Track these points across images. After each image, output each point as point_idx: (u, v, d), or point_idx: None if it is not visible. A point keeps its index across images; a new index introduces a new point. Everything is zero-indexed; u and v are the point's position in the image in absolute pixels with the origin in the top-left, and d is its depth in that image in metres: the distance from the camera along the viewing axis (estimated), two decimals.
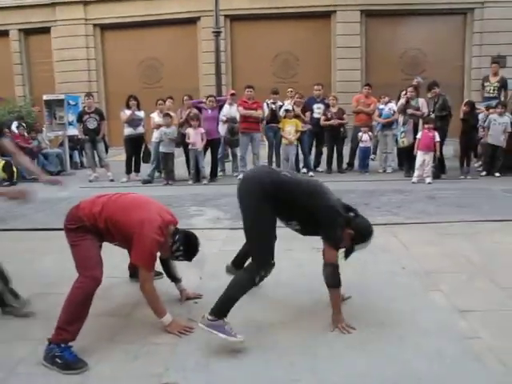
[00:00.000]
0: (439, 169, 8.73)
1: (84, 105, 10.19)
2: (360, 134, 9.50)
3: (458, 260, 4.09)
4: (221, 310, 2.75)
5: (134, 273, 3.58)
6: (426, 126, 8.33)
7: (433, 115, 8.64)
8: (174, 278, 3.47)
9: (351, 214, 2.99)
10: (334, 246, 2.91)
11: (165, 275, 3.53)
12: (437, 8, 16.17)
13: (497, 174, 8.80)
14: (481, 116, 9.23)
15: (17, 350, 2.77)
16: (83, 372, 2.54)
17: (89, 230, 2.89)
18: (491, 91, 9.87)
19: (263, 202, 2.81)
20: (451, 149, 10.15)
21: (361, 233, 2.96)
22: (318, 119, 9.56)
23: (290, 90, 9.88)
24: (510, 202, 6.71)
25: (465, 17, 16.77)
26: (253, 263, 2.84)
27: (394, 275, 3.72)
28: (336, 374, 2.46)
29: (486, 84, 9.98)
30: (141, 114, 9.47)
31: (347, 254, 3.06)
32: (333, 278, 2.94)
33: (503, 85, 10.05)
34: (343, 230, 2.91)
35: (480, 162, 9.67)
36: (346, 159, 9.92)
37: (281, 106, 9.26)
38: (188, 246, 3.06)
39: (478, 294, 3.34)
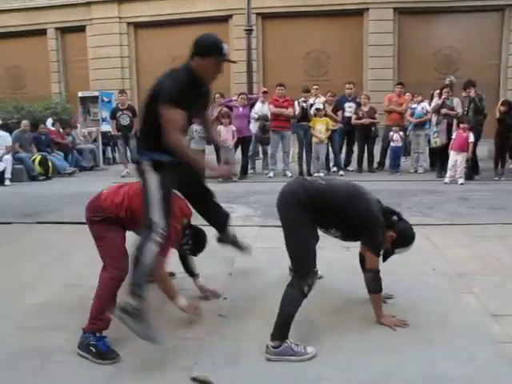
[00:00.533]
0: (472, 170, 8.55)
1: (117, 102, 10.39)
2: (391, 133, 9.38)
3: (491, 262, 4.00)
4: (281, 332, 2.68)
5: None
6: (461, 125, 8.18)
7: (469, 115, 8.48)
8: (192, 273, 3.50)
9: (394, 218, 2.97)
10: (375, 252, 2.88)
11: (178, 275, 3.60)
12: (472, 5, 15.83)
13: (502, 178, 8.56)
14: None
15: (52, 338, 2.86)
16: (115, 363, 2.61)
17: (113, 220, 2.91)
18: None
19: (300, 213, 2.79)
20: (485, 149, 9.92)
21: (404, 237, 2.95)
22: (349, 118, 9.49)
23: (315, 87, 9.77)
24: None
25: (502, 13, 16.32)
26: (297, 276, 2.78)
27: (425, 276, 3.68)
28: (363, 373, 2.45)
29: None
30: None
31: (386, 257, 3.04)
32: (374, 283, 2.91)
33: None
34: (384, 233, 2.88)
35: None
36: (376, 158, 9.83)
37: (312, 105, 9.22)
38: (197, 241, 3.18)
39: (511, 298, 3.27)
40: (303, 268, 2.76)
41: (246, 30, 12.37)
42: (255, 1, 13.18)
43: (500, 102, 8.89)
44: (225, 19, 16.88)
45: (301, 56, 16.59)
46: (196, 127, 8.83)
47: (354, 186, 3.03)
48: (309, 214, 2.79)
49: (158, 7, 16.66)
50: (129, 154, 10.09)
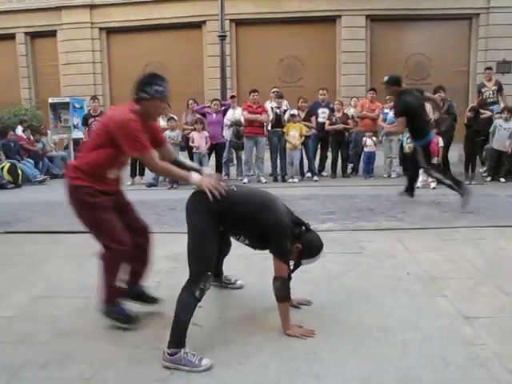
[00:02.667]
0: (444, 173, 8.68)
1: (89, 108, 10.23)
2: (364, 138, 9.48)
3: (463, 266, 4.06)
4: (177, 339, 2.65)
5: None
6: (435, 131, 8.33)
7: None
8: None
9: (302, 229, 2.96)
10: (283, 260, 2.87)
11: None
12: (442, 13, 16.17)
13: (502, 180, 8.77)
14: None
15: (20, 352, 2.77)
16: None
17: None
18: (490, 96, 9.86)
19: (206, 216, 2.79)
20: (456, 154, 10.12)
21: (309, 248, 2.94)
22: (323, 124, 9.56)
23: (275, 90, 9.76)
24: None
25: (470, 22, 16.74)
26: (190, 279, 2.78)
27: (398, 281, 3.71)
28: (339, 380, 2.45)
29: (483, 90, 9.98)
30: None
31: (294, 268, 3.03)
32: (283, 292, 2.90)
33: (500, 88, 10.11)
34: (292, 243, 2.88)
35: (485, 168, 9.64)
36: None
37: (285, 111, 9.25)
38: None
39: (483, 300, 3.32)
40: (197, 271, 2.76)
41: (219, 36, 12.35)
42: (229, 7, 13.17)
43: (468, 108, 9.10)
44: (198, 25, 16.83)
45: (274, 62, 16.66)
46: (169, 134, 8.78)
47: (265, 195, 3.03)
48: (214, 220, 2.80)
49: (131, 12, 16.50)
50: None
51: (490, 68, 10.62)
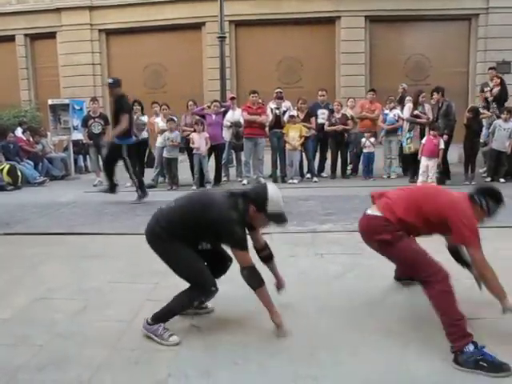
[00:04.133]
0: (444, 174, 8.70)
1: (89, 109, 10.23)
2: (364, 139, 9.47)
3: (461, 266, 4.04)
4: (160, 317, 2.92)
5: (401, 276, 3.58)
6: (431, 132, 8.33)
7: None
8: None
9: (244, 194, 2.94)
10: (241, 247, 2.83)
11: None
12: (441, 14, 16.17)
13: (501, 180, 8.75)
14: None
15: (18, 354, 2.75)
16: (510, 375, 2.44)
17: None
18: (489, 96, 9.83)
19: (166, 244, 2.94)
20: (456, 154, 10.11)
21: (262, 203, 2.85)
22: (323, 125, 9.55)
23: (278, 90, 9.77)
24: None
25: (469, 23, 16.74)
26: (196, 288, 2.92)
27: (397, 281, 3.68)
28: (338, 382, 2.44)
29: (486, 89, 9.95)
30: (145, 118, 9.49)
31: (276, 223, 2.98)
32: (253, 279, 2.89)
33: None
34: (247, 215, 2.88)
35: (485, 168, 9.62)
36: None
37: (285, 112, 9.24)
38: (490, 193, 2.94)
39: (482, 301, 3.30)
40: (198, 287, 2.90)
41: (218, 37, 12.34)
42: (228, 8, 13.18)
43: (467, 109, 9.09)
44: (198, 26, 16.84)
45: (274, 63, 16.67)
46: (169, 135, 8.77)
47: (204, 195, 3.20)
48: (175, 240, 2.90)
49: (130, 14, 16.52)
50: (101, 162, 9.92)
51: (493, 68, 10.59)
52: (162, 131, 8.97)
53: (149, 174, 9.40)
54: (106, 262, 4.40)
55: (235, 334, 2.95)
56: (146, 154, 9.60)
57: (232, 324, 3.09)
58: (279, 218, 2.92)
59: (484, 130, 9.22)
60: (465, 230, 2.69)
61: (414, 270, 2.80)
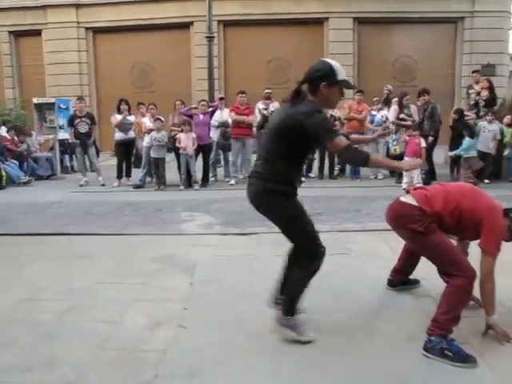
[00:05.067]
0: (430, 175, 8.78)
1: (75, 108, 10.15)
2: None
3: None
4: (290, 309, 2.85)
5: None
6: (410, 133, 8.41)
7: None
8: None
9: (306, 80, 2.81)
10: (332, 136, 2.61)
11: None
12: (428, 16, 16.37)
13: (486, 181, 8.86)
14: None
15: (4, 356, 2.72)
16: (475, 367, 2.52)
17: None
18: (475, 98, 9.96)
19: (279, 201, 2.77)
20: (442, 155, 10.22)
21: (328, 72, 2.73)
22: None
23: (267, 91, 9.75)
24: None
25: (455, 26, 16.97)
26: (306, 259, 2.82)
27: (384, 281, 3.71)
28: (326, 382, 2.45)
29: (470, 92, 10.08)
30: (132, 118, 9.44)
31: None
32: (355, 155, 2.69)
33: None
34: (321, 97, 2.72)
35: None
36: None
37: (273, 112, 9.25)
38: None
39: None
40: (317, 251, 2.84)
41: (207, 37, 12.33)
42: (216, 8, 13.17)
43: (453, 110, 9.19)
44: (186, 26, 16.82)
45: (262, 63, 16.70)
46: (156, 135, 8.74)
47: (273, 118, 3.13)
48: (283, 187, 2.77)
49: (118, 12, 16.43)
50: (87, 162, 9.86)
51: (477, 71, 10.72)
52: (149, 131, 8.93)
53: (136, 174, 9.37)
54: (93, 262, 4.38)
55: (225, 334, 2.94)
56: (134, 154, 9.53)
57: (219, 324, 3.09)
58: (350, 84, 2.92)
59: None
60: (493, 238, 2.74)
61: (443, 263, 2.79)
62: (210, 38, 12.25)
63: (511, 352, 2.68)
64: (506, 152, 9.14)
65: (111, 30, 16.87)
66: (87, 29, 17.09)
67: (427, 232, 2.76)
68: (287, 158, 2.72)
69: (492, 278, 2.76)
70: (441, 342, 2.62)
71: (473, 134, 8.57)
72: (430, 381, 2.45)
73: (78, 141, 9.57)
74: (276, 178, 2.72)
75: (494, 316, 2.80)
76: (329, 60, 2.82)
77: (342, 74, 2.74)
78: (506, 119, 9.21)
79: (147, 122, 9.14)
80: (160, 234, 5.30)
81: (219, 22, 16.15)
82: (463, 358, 2.56)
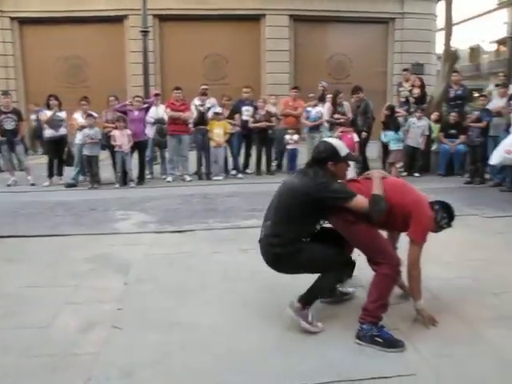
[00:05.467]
0: (363, 170, 9.05)
1: (0, 104, 9.61)
2: (287, 136, 9.65)
3: None
4: (307, 301, 2.95)
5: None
6: (342, 129, 8.65)
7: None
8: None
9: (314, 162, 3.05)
10: (349, 197, 2.83)
11: None
12: (360, 16, 16.89)
13: (416, 174, 9.27)
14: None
15: None
16: (403, 351, 2.67)
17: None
18: (405, 96, 10.36)
19: (294, 253, 2.94)
20: (375, 150, 10.57)
21: (331, 153, 2.99)
22: (247, 121, 9.62)
23: (203, 87, 9.73)
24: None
25: (387, 26, 17.63)
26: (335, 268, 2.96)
27: None
28: (261, 374, 2.48)
29: (400, 89, 10.50)
30: (62, 114, 9.07)
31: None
32: (379, 205, 2.83)
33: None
34: (328, 174, 2.94)
35: (401, 163, 10.13)
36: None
37: (209, 108, 9.21)
38: (449, 211, 3.14)
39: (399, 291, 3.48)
40: (346, 264, 3.06)
41: (142, 31, 12.05)
42: (151, 2, 12.86)
43: (384, 107, 9.54)
44: (120, 19, 16.36)
45: (199, 59, 16.57)
46: (88, 132, 8.45)
47: (285, 189, 3.11)
48: (296, 245, 2.95)
49: (47, 2, 15.59)
50: (15, 160, 9.37)
51: (406, 69, 11.17)
52: (81, 127, 8.62)
53: (68, 173, 9.02)
54: (23, 265, 4.19)
55: (159, 332, 2.91)
56: (65, 152, 9.16)
57: (154, 323, 3.05)
58: (352, 157, 3.21)
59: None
60: (420, 229, 2.92)
61: (369, 251, 2.90)
62: (145, 33, 11.99)
63: (436, 335, 2.85)
64: (434, 147, 9.58)
65: (40, 21, 16.05)
66: (12, 19, 16.16)
67: (357, 221, 2.87)
68: (297, 225, 2.90)
69: (418, 266, 2.91)
70: (371, 330, 2.76)
71: (397, 129, 8.97)
72: (360, 366, 2.54)
73: (4, 138, 9.06)
74: (283, 242, 2.89)
75: (420, 301, 2.96)
76: (329, 140, 3.11)
77: (343, 149, 3.04)
78: (434, 116, 9.66)
79: (79, 118, 8.81)
80: (93, 234, 5.14)
81: (155, 16, 15.84)
82: (392, 343, 2.71)
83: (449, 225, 3.16)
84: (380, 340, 2.72)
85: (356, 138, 8.60)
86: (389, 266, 2.81)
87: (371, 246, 2.88)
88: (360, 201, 2.81)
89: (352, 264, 3.07)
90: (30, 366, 2.58)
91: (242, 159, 9.94)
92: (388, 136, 9.05)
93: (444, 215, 3.10)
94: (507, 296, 3.38)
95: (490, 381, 2.41)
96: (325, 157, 2.95)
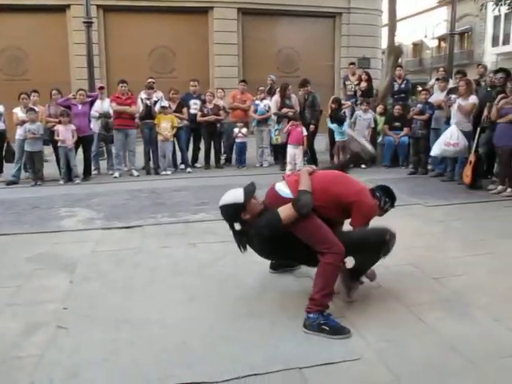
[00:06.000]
0: (311, 162, 9.20)
1: None
2: (236, 129, 9.66)
3: None
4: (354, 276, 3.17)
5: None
6: (292, 123, 8.74)
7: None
8: None
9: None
10: (278, 219, 2.90)
11: None
12: (308, 10, 17.08)
13: (363, 166, 9.49)
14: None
15: None
16: (349, 338, 2.75)
17: None
18: (352, 89, 10.61)
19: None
20: (323, 143, 10.75)
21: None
22: (195, 115, 9.54)
23: (150, 80, 9.51)
24: None
25: (334, 20, 17.93)
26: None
27: (266, 266, 3.81)
28: (210, 366, 2.49)
29: (347, 83, 10.73)
30: (0, 108, 8.68)
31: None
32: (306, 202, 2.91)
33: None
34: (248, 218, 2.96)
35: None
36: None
37: (156, 102, 9.06)
38: (388, 193, 3.36)
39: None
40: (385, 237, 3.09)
41: (85, 22, 11.66)
42: None
43: (331, 100, 9.71)
44: (62, 9, 15.74)
45: (146, 52, 16.26)
46: (29, 126, 8.13)
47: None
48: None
49: None
50: None
51: (353, 63, 11.40)
52: (22, 122, 8.27)
53: (8, 170, 8.64)
54: None
55: (106, 330, 2.87)
56: (4, 148, 8.78)
57: (101, 321, 2.99)
58: (250, 187, 3.07)
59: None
60: (361, 218, 3.12)
61: (313, 241, 2.94)
62: (89, 24, 11.60)
63: (379, 321, 2.95)
64: (380, 139, 9.84)
65: None
66: None
67: (300, 218, 2.91)
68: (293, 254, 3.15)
69: None
70: (318, 318, 2.82)
71: (339, 122, 9.16)
72: (308, 354, 2.59)
73: None
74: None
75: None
76: (222, 202, 3.00)
77: (238, 195, 2.95)
78: (379, 109, 9.92)
79: (19, 112, 8.44)
80: (36, 233, 4.95)
81: (98, 6, 15.38)
82: (338, 330, 2.79)
83: (392, 206, 3.37)
84: (326, 328, 2.79)
85: (304, 131, 8.71)
86: (332, 255, 2.88)
87: (314, 237, 2.95)
88: (286, 211, 2.87)
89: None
90: None
91: (190, 153, 9.86)
92: (333, 128, 9.24)
93: (386, 199, 3.31)
94: (446, 280, 3.55)
95: (431, 361, 2.52)
96: (232, 215, 2.95)
